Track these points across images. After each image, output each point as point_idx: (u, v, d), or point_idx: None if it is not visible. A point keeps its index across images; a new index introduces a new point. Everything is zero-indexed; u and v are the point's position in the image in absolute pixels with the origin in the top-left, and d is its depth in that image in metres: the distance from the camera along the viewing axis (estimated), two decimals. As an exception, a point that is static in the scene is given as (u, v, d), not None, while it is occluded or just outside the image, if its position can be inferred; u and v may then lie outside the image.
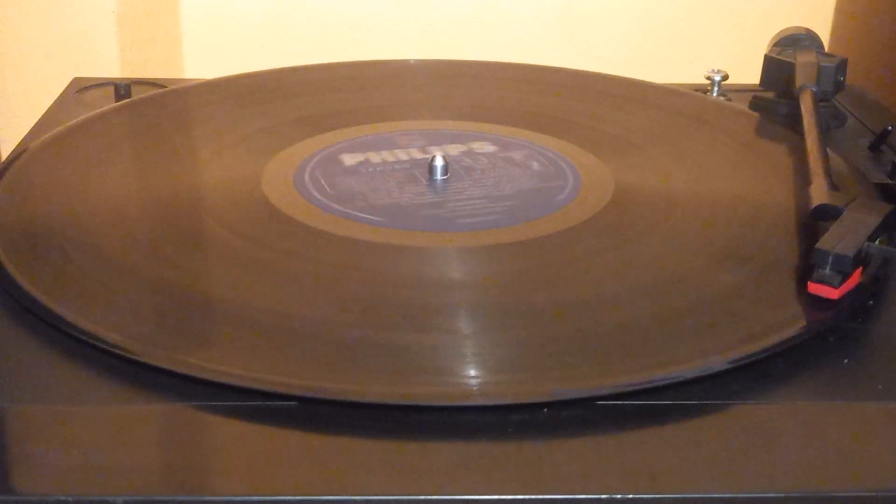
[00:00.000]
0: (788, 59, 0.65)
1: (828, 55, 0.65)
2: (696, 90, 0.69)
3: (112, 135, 0.60)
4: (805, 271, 0.43)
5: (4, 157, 0.58)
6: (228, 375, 0.36)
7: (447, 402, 0.36)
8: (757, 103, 0.66)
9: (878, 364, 0.40)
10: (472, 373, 0.38)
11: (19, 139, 0.60)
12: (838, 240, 0.42)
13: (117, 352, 0.38)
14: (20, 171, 0.53)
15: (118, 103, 0.64)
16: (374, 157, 0.57)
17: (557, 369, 0.38)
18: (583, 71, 0.72)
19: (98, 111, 0.62)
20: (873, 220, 0.44)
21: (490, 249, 0.47)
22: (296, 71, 0.71)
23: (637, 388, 0.37)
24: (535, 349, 0.39)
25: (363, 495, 0.32)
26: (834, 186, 0.48)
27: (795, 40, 0.68)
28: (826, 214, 0.45)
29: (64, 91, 0.69)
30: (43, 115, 0.64)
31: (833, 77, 0.63)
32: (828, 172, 0.49)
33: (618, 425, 0.35)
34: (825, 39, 0.77)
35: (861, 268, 0.43)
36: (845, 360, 0.40)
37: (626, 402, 0.36)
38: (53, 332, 0.40)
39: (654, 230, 0.49)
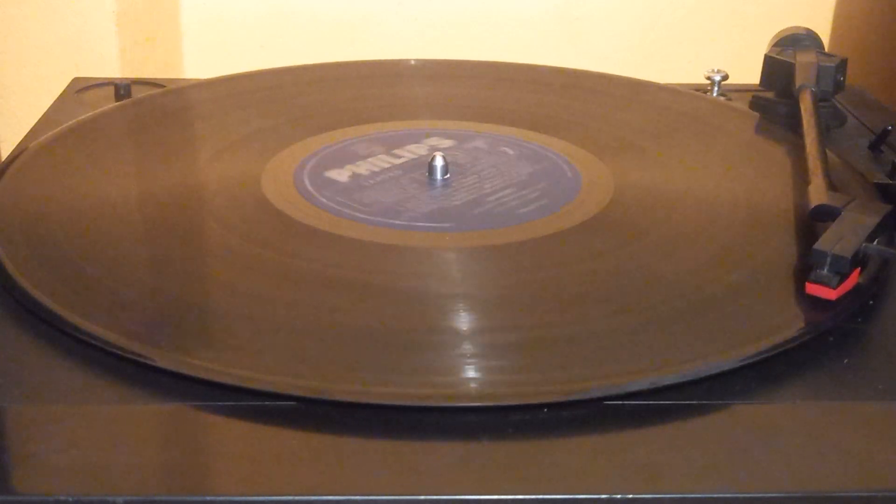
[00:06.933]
0: (788, 59, 0.65)
1: (828, 55, 0.65)
2: (696, 90, 0.70)
3: (112, 135, 0.60)
4: (803, 272, 0.43)
5: (4, 157, 0.58)
6: (228, 375, 0.36)
7: (447, 403, 0.36)
8: (757, 103, 0.66)
9: (878, 364, 0.40)
10: (472, 373, 0.38)
11: (19, 139, 0.60)
12: (836, 240, 0.42)
13: (117, 352, 0.38)
14: (20, 171, 0.53)
15: (118, 103, 0.64)
16: (374, 157, 0.57)
17: (557, 369, 0.38)
18: (582, 71, 0.72)
19: (98, 111, 0.62)
20: (872, 221, 0.44)
21: (490, 249, 0.47)
22: (296, 71, 0.71)
23: (637, 388, 0.37)
24: (535, 349, 0.39)
25: (363, 495, 0.32)
26: (833, 187, 0.48)
27: (795, 40, 0.68)
28: (825, 215, 0.45)
29: (64, 91, 0.69)
30: (43, 115, 0.64)
31: (833, 77, 0.63)
32: (826, 173, 0.49)
33: (618, 425, 0.35)
34: (825, 39, 0.77)
35: (859, 269, 0.43)
36: (845, 360, 0.40)
37: (626, 402, 0.36)
38: (53, 332, 0.40)
39: (654, 230, 0.49)
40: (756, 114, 0.65)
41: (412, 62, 0.74)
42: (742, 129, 0.63)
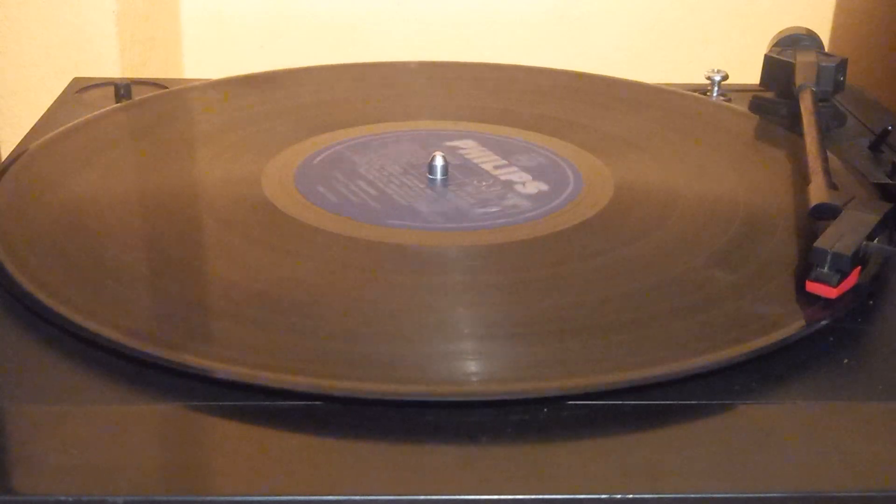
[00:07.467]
0: (788, 59, 0.65)
1: (828, 55, 0.65)
2: (696, 90, 0.70)
3: (112, 135, 0.60)
4: (804, 270, 0.43)
5: (4, 157, 0.58)
6: (228, 375, 0.36)
7: (447, 398, 0.36)
8: (757, 103, 0.66)
9: (878, 364, 0.40)
10: (473, 371, 0.38)
11: (19, 139, 0.60)
12: (837, 238, 0.42)
13: (117, 349, 0.38)
14: (20, 171, 0.53)
15: (118, 104, 0.64)
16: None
17: (558, 369, 0.38)
18: (582, 72, 0.72)
19: (98, 112, 0.62)
20: (872, 219, 0.44)
21: (490, 249, 0.47)
22: (296, 71, 0.71)
23: (637, 387, 0.37)
24: (535, 349, 0.39)
25: (363, 495, 0.32)
26: (833, 185, 0.48)
27: (795, 40, 0.68)
28: (825, 213, 0.45)
29: (64, 91, 0.69)
30: (43, 115, 0.64)
31: (833, 77, 0.63)
32: (827, 172, 0.49)
33: (618, 425, 0.35)
34: (825, 39, 0.77)
35: (859, 267, 0.43)
36: (845, 360, 0.40)
37: (626, 402, 0.36)
38: (53, 331, 0.40)
39: (653, 230, 0.49)
40: (755, 116, 0.65)
41: (411, 63, 0.74)
42: (742, 129, 0.63)
